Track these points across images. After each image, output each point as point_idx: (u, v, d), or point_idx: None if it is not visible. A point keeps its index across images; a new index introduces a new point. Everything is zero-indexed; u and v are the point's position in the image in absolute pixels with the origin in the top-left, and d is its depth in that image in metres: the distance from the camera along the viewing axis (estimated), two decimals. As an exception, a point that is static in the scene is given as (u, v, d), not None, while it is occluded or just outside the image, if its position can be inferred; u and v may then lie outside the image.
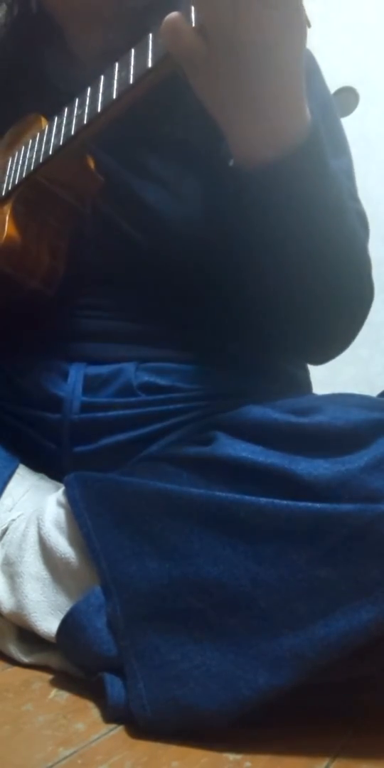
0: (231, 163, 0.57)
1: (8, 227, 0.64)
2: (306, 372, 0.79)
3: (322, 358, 0.72)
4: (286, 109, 0.52)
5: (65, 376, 0.68)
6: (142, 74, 0.53)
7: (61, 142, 0.61)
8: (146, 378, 0.67)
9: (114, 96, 0.56)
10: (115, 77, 0.56)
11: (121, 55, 0.56)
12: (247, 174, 0.54)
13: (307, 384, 0.79)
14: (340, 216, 0.59)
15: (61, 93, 0.66)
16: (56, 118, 0.64)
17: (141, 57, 0.54)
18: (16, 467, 0.66)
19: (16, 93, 0.74)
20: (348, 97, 1.96)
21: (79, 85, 0.62)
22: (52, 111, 0.66)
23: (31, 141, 0.67)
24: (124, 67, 0.55)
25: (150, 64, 0.52)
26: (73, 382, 0.67)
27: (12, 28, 0.76)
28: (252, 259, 0.60)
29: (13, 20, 0.76)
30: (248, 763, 0.45)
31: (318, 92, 0.68)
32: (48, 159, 0.63)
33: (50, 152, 0.62)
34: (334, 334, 0.68)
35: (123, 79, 0.55)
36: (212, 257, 0.65)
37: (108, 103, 0.57)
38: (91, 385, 0.67)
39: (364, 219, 0.67)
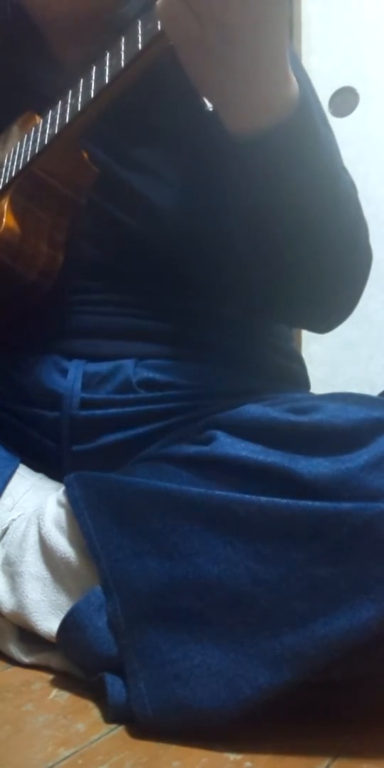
0: (210, 108, 0.57)
1: (6, 218, 0.65)
2: (304, 368, 0.79)
3: (325, 326, 0.72)
4: (276, 79, 0.53)
5: (65, 373, 0.68)
6: (133, 57, 0.55)
7: (56, 131, 0.62)
8: (145, 374, 0.67)
9: (106, 81, 0.57)
10: (107, 64, 0.58)
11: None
12: (242, 144, 0.55)
13: (305, 380, 0.79)
14: (334, 180, 0.60)
15: (47, 99, 0.67)
16: (50, 111, 0.65)
17: (131, 42, 0.55)
18: (16, 467, 0.66)
19: (4, 98, 0.75)
20: (348, 97, 1.96)
21: (65, 91, 0.62)
22: (38, 113, 0.67)
23: (26, 136, 0.67)
24: (115, 54, 0.57)
25: (140, 47, 0.54)
26: (72, 379, 0.67)
27: None
28: (248, 231, 0.61)
29: None
30: (249, 763, 0.45)
31: (299, 69, 0.69)
32: (44, 148, 0.64)
33: (46, 141, 0.63)
34: (336, 299, 0.68)
35: (114, 66, 0.57)
36: (206, 240, 0.66)
37: (101, 89, 0.58)
38: (90, 383, 0.67)
39: (354, 186, 0.67)
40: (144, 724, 0.48)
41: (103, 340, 0.69)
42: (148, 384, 0.67)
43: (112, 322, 0.69)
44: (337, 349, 1.82)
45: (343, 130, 1.87)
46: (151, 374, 0.67)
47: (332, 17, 1.96)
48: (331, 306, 0.69)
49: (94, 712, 0.51)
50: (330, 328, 0.72)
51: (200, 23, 0.49)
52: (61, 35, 0.72)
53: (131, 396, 0.66)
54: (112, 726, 0.50)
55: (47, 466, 0.69)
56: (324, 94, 1.94)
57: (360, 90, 1.96)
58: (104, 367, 0.67)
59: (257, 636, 0.47)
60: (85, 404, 0.67)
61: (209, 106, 0.62)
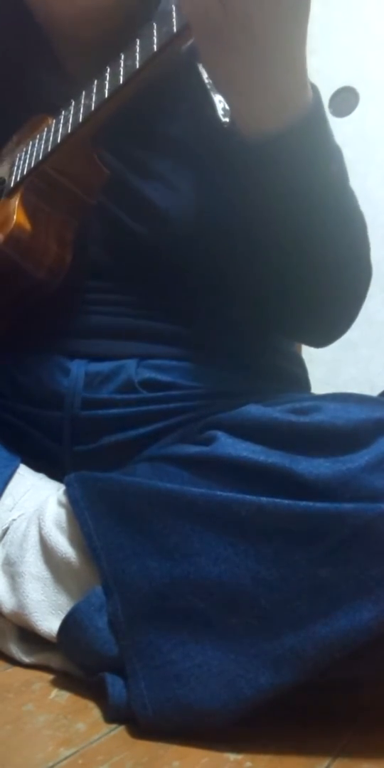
0: (226, 121, 0.58)
1: (17, 215, 0.65)
2: (305, 371, 0.80)
3: (323, 340, 0.73)
4: (293, 81, 0.53)
5: (67, 372, 0.68)
6: (148, 59, 0.55)
7: (69, 130, 0.63)
8: (147, 374, 0.67)
9: (120, 82, 0.58)
10: (121, 65, 0.58)
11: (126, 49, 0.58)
12: (253, 146, 0.55)
13: (306, 383, 0.79)
14: (343, 189, 0.60)
15: (55, 108, 0.67)
16: (63, 112, 0.65)
17: (146, 44, 0.56)
18: (17, 467, 0.66)
19: (12, 106, 0.75)
20: (348, 97, 1.96)
21: (79, 93, 0.63)
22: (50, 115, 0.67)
23: (38, 135, 0.68)
24: (130, 56, 0.57)
25: (155, 48, 0.54)
26: (74, 379, 0.67)
27: (5, 41, 0.76)
28: (254, 239, 0.61)
29: (6, 34, 0.76)
30: (249, 763, 0.45)
31: None
32: (57, 146, 0.64)
33: (58, 140, 0.64)
34: (335, 313, 0.68)
35: (129, 67, 0.57)
36: (211, 245, 0.66)
37: (115, 89, 0.58)
38: (92, 382, 0.67)
39: (363, 214, 0.68)
40: (144, 724, 0.48)
41: (105, 339, 0.69)
42: (150, 384, 0.67)
43: (115, 322, 0.69)
44: (337, 349, 1.81)
45: (343, 130, 1.87)
46: (153, 374, 0.67)
47: (332, 17, 1.96)
48: (329, 319, 0.69)
49: (94, 712, 0.51)
50: (325, 343, 0.73)
51: (225, 14, 0.49)
52: (70, 46, 0.72)
53: (133, 396, 0.66)
54: (113, 726, 0.49)
55: (49, 465, 0.69)
56: (324, 94, 1.93)
57: (360, 90, 1.96)
58: (106, 366, 0.67)
59: (258, 636, 0.47)
60: (86, 404, 0.67)
61: (224, 120, 0.62)
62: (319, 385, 0.80)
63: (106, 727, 0.49)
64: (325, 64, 1.93)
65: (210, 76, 0.54)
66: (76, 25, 0.69)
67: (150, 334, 0.69)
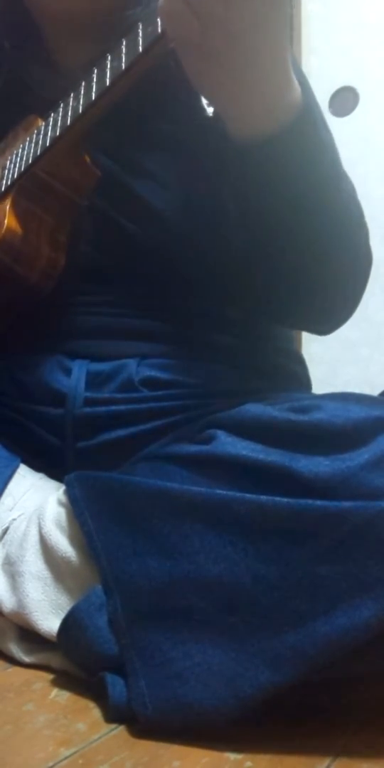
0: (210, 114, 0.59)
1: (8, 219, 0.65)
2: (305, 369, 0.80)
3: (325, 328, 0.72)
4: (277, 82, 0.53)
5: (68, 372, 0.68)
6: (134, 60, 0.55)
7: (58, 134, 0.63)
8: (147, 373, 0.67)
9: (107, 83, 0.57)
10: (108, 67, 0.58)
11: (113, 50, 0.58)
12: (244, 149, 0.55)
13: (306, 380, 0.79)
14: (336, 184, 0.60)
15: (47, 101, 0.67)
16: (52, 114, 0.65)
17: (132, 44, 0.56)
18: (17, 466, 0.66)
19: (4, 101, 0.75)
20: (348, 97, 1.97)
21: (65, 93, 0.63)
22: (40, 116, 0.68)
23: (28, 138, 0.68)
24: (116, 57, 0.57)
25: (141, 49, 0.54)
26: (76, 379, 0.68)
27: None
28: (248, 235, 0.61)
29: None
30: (249, 763, 0.45)
31: (298, 73, 0.70)
32: (46, 150, 0.64)
33: (48, 143, 0.64)
34: (336, 301, 0.68)
35: (115, 68, 0.57)
36: (207, 244, 0.66)
37: (102, 91, 0.58)
38: (93, 382, 0.68)
39: (354, 188, 0.68)
40: (145, 723, 0.48)
41: (105, 340, 0.69)
42: (150, 382, 0.67)
43: (115, 322, 0.69)
44: (337, 349, 1.82)
45: (343, 130, 1.87)
46: (153, 373, 0.67)
47: (332, 17, 1.96)
48: (332, 308, 0.69)
49: (94, 711, 0.51)
50: (330, 331, 0.72)
51: (201, 24, 0.49)
52: (62, 36, 0.73)
53: (134, 395, 0.67)
54: (113, 726, 0.49)
55: (50, 463, 0.69)
56: (324, 94, 1.94)
57: (360, 90, 1.96)
58: (107, 366, 0.68)
59: (258, 635, 0.47)
60: (88, 402, 0.67)
61: (208, 111, 0.62)
62: (319, 385, 0.80)
63: (106, 727, 0.49)
64: (325, 64, 1.94)
65: (195, 86, 0.54)
66: (69, 13, 0.69)
67: (150, 334, 0.69)
